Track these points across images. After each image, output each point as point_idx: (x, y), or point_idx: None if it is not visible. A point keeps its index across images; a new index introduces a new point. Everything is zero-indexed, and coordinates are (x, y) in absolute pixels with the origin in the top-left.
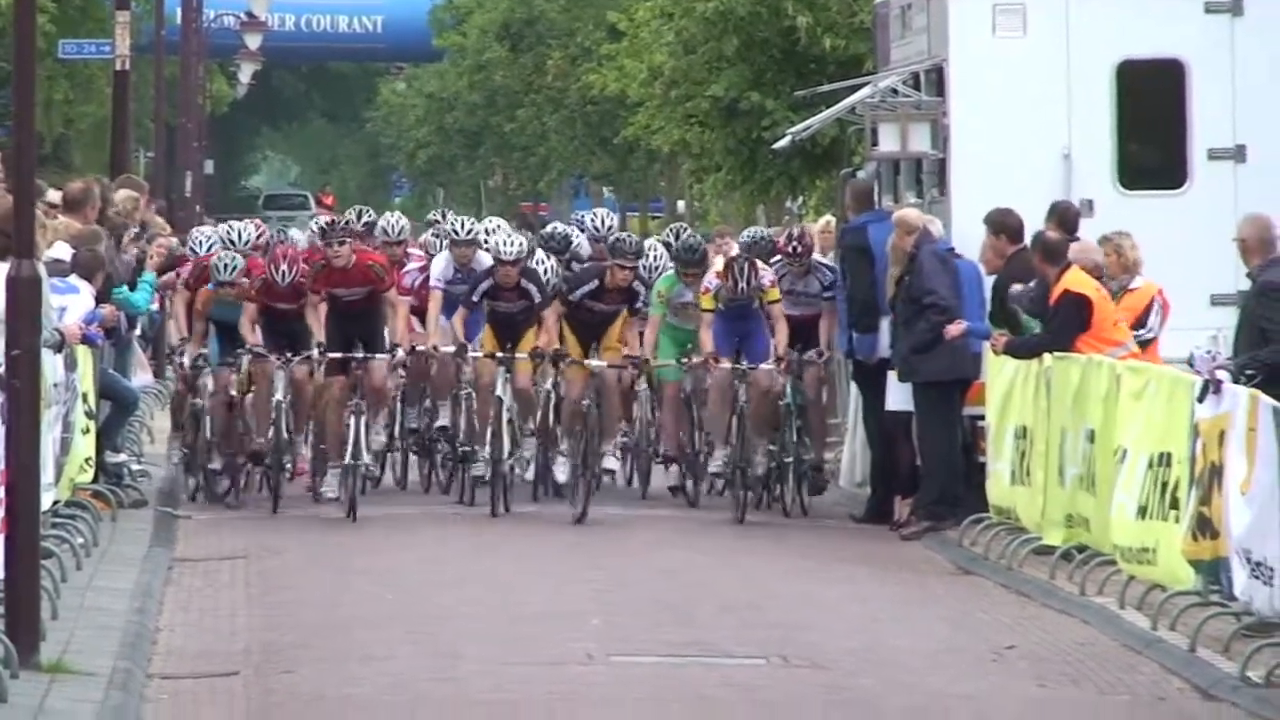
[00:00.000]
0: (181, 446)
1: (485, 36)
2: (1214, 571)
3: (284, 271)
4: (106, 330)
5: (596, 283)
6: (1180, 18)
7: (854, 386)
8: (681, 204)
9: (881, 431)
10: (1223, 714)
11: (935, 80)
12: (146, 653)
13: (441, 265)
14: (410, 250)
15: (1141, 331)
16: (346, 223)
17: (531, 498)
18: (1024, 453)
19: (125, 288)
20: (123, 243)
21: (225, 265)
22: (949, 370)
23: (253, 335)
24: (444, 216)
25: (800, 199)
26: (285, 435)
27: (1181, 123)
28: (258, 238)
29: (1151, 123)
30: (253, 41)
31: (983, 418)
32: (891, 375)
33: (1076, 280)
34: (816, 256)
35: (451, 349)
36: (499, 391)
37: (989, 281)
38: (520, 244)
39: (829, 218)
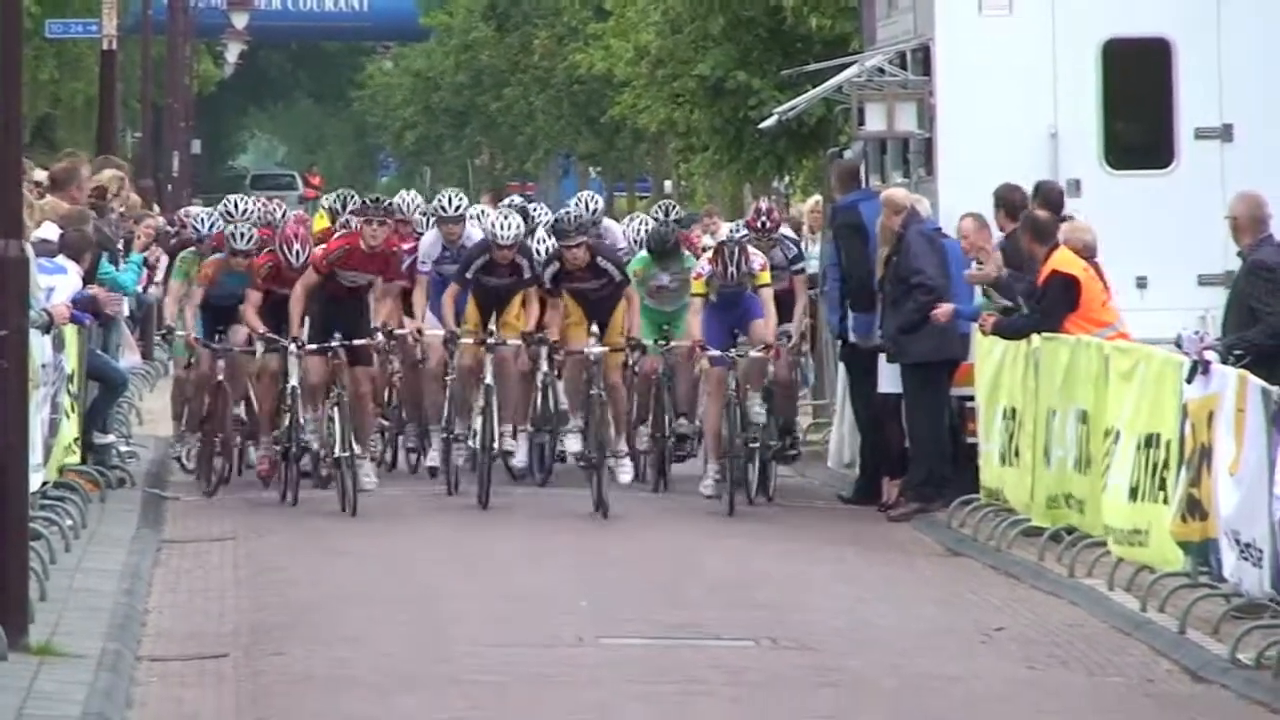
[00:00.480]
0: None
1: (471, 16)
2: (1203, 553)
3: (297, 252)
4: (98, 313)
5: (557, 265)
6: None
7: (842, 368)
8: (668, 184)
9: (870, 413)
10: (1212, 696)
11: (921, 59)
12: (136, 634)
13: (429, 244)
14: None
15: None
16: (389, 202)
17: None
18: (1013, 434)
19: (112, 268)
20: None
21: (241, 235)
22: (937, 351)
23: (259, 323)
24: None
25: (787, 178)
26: (300, 422)
27: (1168, 102)
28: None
29: (1138, 102)
30: (239, 20)
31: (971, 399)
32: (882, 357)
33: (1065, 260)
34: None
35: (439, 334)
36: (487, 379)
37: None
38: (517, 225)
39: (818, 197)
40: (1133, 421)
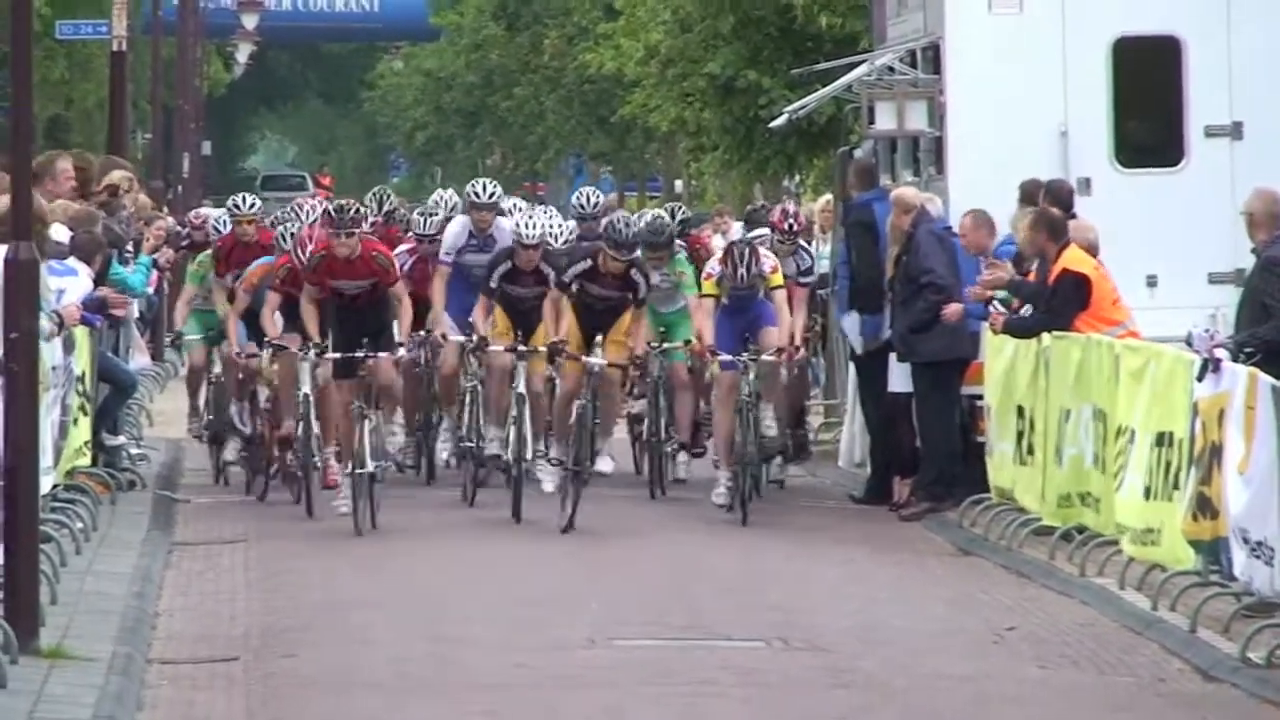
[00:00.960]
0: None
1: (482, 15)
2: (1214, 552)
3: (310, 254)
4: (112, 316)
5: (590, 263)
6: None
7: (852, 367)
8: (679, 183)
9: (881, 412)
10: (1223, 695)
11: (932, 58)
12: (146, 637)
13: (455, 232)
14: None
15: None
16: (356, 210)
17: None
18: (1023, 433)
19: (122, 269)
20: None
21: (290, 234)
22: (947, 350)
23: (273, 327)
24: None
25: (797, 177)
26: (313, 428)
27: (1178, 100)
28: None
29: (1148, 100)
30: (249, 21)
31: (981, 397)
32: (893, 356)
33: (1075, 259)
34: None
35: (459, 339)
36: (519, 387)
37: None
38: (542, 225)
39: (828, 196)
40: (1146, 420)
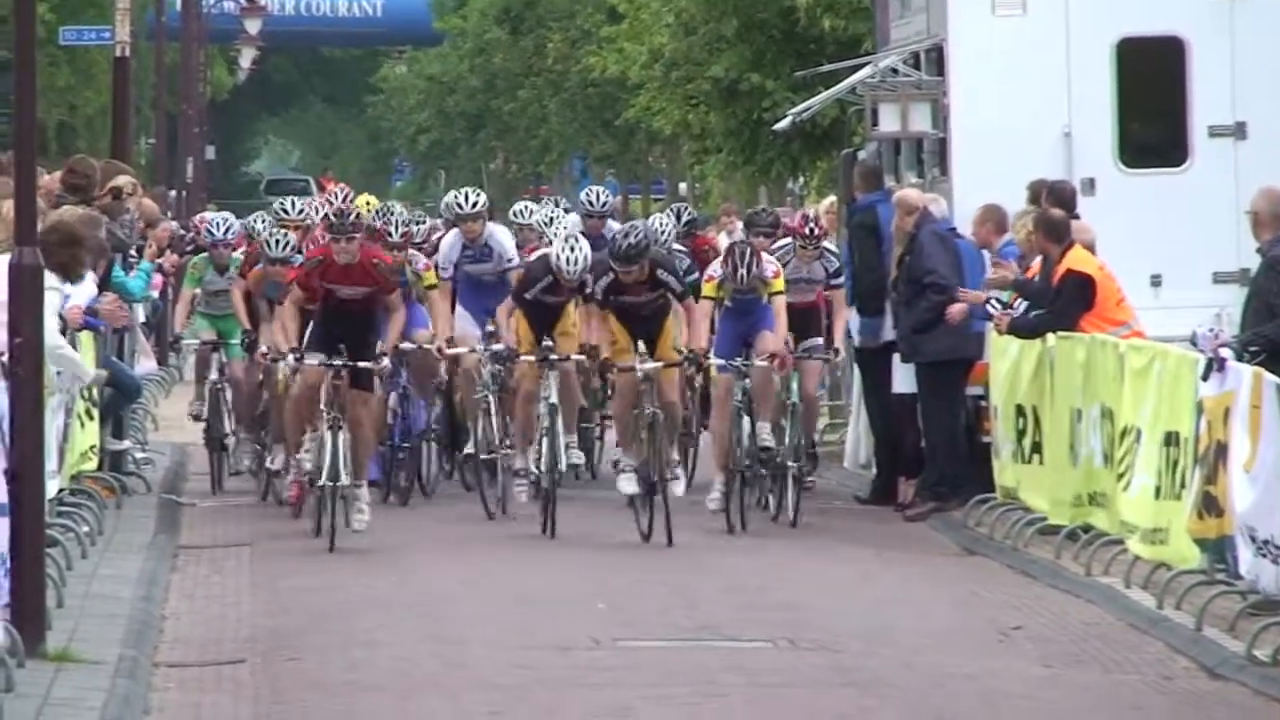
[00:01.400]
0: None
1: (485, 19)
2: (1220, 550)
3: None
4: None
5: (611, 275)
6: None
7: (856, 368)
8: (683, 186)
9: (886, 413)
10: (1229, 693)
11: (935, 59)
12: (153, 640)
13: (449, 245)
14: None
15: None
16: (356, 215)
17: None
18: (1026, 432)
19: (122, 274)
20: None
21: (277, 241)
22: (951, 350)
23: (284, 331)
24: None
25: (801, 180)
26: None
27: (1182, 100)
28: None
29: (1152, 100)
30: (253, 26)
31: (986, 398)
32: (896, 357)
33: (1080, 259)
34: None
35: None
36: (552, 398)
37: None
38: (585, 255)
39: (832, 198)
40: (1153, 420)
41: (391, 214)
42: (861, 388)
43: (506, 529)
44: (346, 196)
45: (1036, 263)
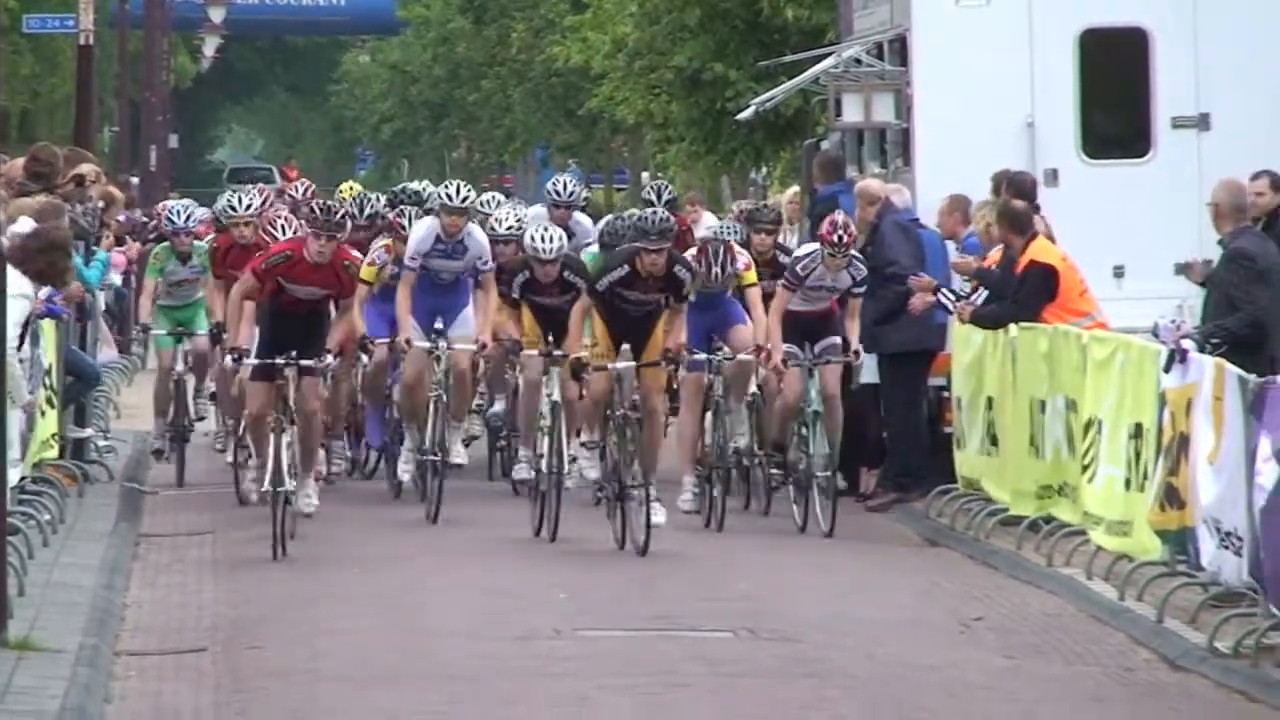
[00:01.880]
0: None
1: (449, 8)
2: (1181, 542)
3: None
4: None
5: (627, 269)
6: None
7: None
8: (645, 175)
9: (848, 404)
10: (1190, 684)
11: (899, 50)
12: (114, 629)
13: (421, 235)
14: None
15: None
16: (344, 214)
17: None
18: (992, 423)
19: (82, 263)
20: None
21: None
22: (914, 341)
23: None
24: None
25: (764, 170)
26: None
27: (1145, 91)
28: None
29: (1115, 91)
30: (216, 15)
31: (948, 388)
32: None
33: (1043, 250)
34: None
35: (425, 345)
36: (555, 395)
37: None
38: (560, 237)
39: (795, 188)
40: (1116, 411)
41: (368, 201)
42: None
43: (471, 525)
44: (308, 190)
45: (994, 253)
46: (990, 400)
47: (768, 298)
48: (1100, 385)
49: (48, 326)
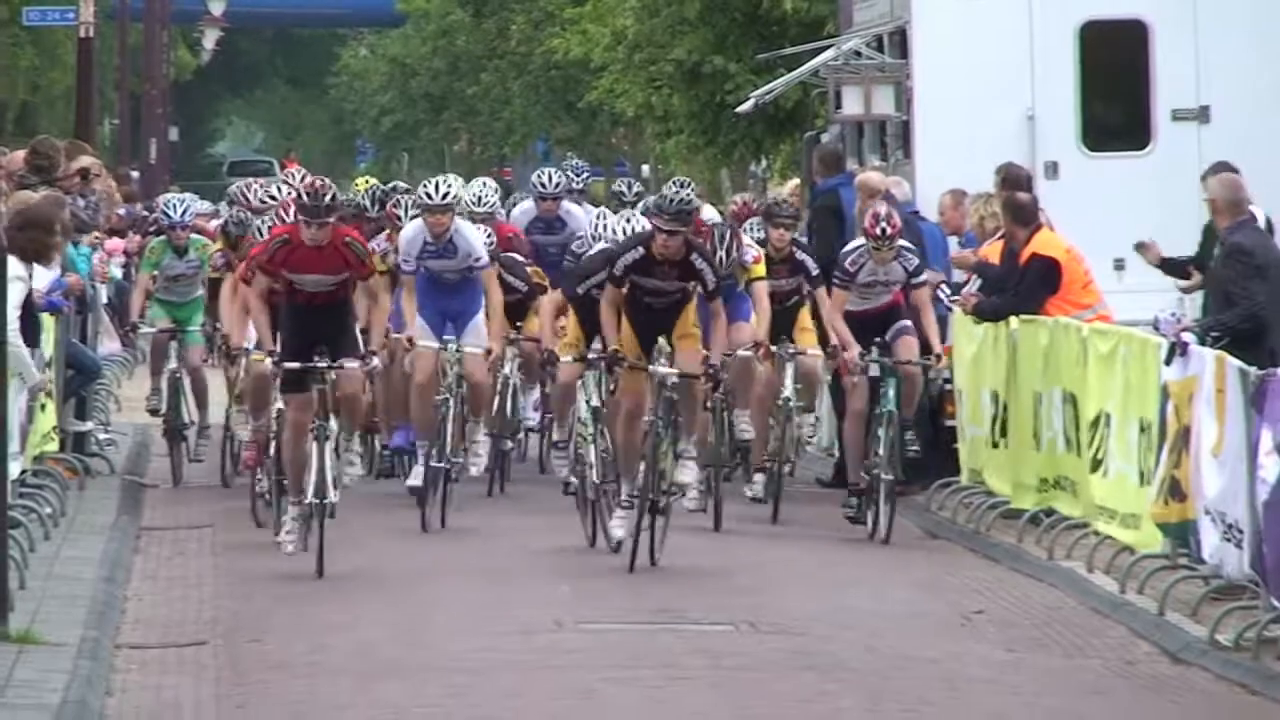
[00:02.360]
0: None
1: (448, 1)
2: (1182, 534)
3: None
4: (76, 299)
5: (642, 251)
6: None
7: None
8: (646, 167)
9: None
10: (1191, 677)
11: (899, 42)
12: (115, 622)
13: (409, 237)
14: None
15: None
16: (333, 196)
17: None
18: (996, 416)
19: (74, 254)
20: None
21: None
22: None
23: (267, 329)
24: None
25: (764, 162)
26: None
27: (1145, 84)
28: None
29: (1115, 84)
30: (216, 7)
31: (950, 381)
32: None
33: (1046, 242)
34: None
35: (433, 344)
36: (592, 400)
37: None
38: (495, 189)
39: (796, 181)
40: (1124, 405)
41: (396, 193)
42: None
43: (472, 519)
44: (304, 178)
45: (987, 245)
46: (996, 394)
47: (785, 296)
48: (1104, 379)
49: (48, 320)
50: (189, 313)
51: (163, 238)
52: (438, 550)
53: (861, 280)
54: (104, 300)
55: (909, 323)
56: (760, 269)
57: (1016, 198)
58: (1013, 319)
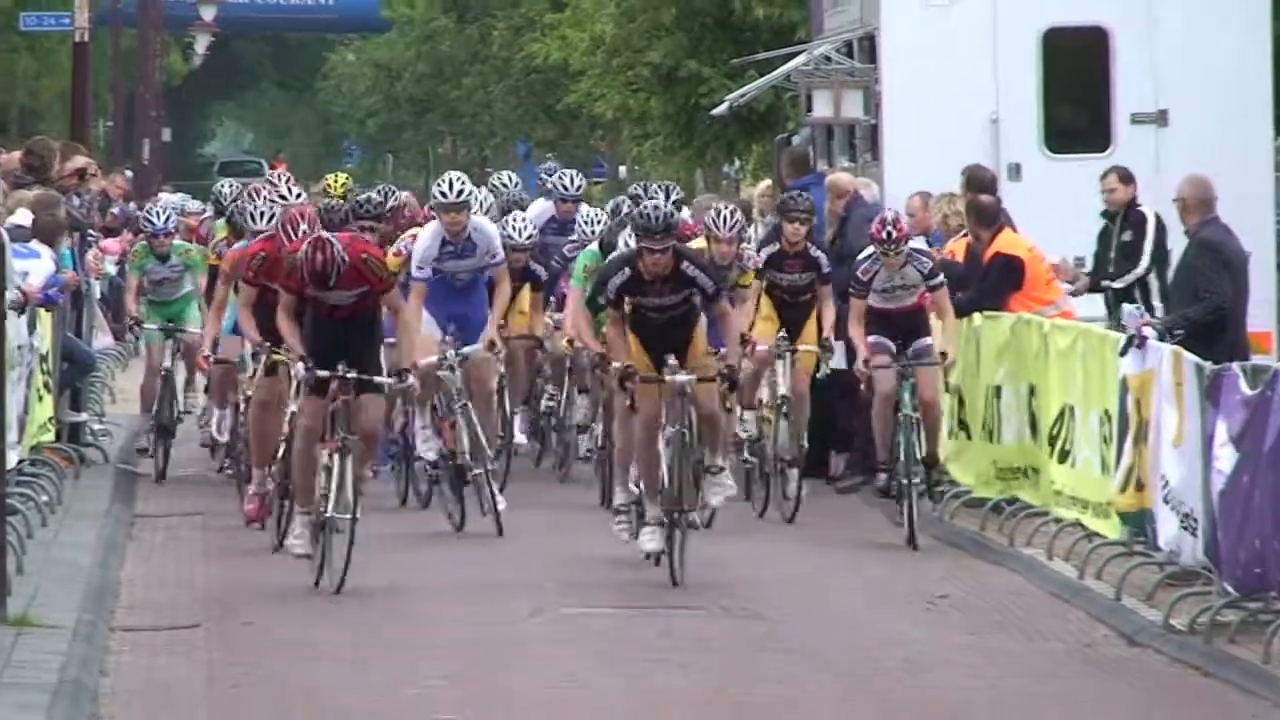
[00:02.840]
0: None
1: (432, 7)
2: (1139, 523)
3: (305, 233)
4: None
5: (628, 272)
6: None
7: None
8: (623, 169)
9: (818, 389)
10: (1147, 660)
11: (867, 48)
12: (110, 605)
13: (427, 241)
14: None
15: None
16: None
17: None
18: (955, 410)
19: (69, 253)
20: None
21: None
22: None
23: (254, 329)
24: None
25: (738, 163)
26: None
27: (1106, 88)
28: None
29: (1077, 88)
30: (207, 13)
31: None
32: None
33: (1009, 242)
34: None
35: (432, 359)
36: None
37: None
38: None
39: (768, 181)
40: (1085, 398)
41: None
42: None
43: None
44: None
45: (951, 243)
46: (958, 388)
47: (799, 291)
48: (1066, 373)
49: (43, 314)
50: (180, 308)
51: (144, 243)
52: (427, 536)
53: (878, 287)
54: (98, 296)
55: (931, 341)
56: (750, 277)
57: (980, 200)
58: (976, 315)
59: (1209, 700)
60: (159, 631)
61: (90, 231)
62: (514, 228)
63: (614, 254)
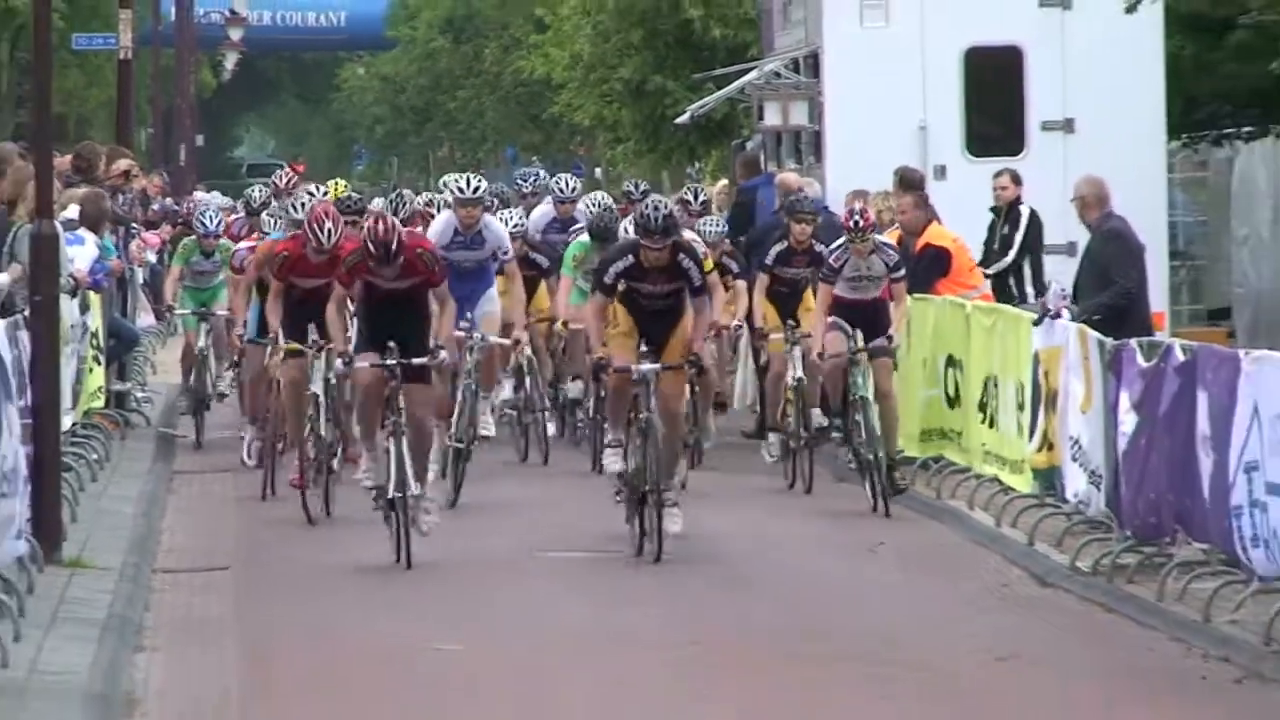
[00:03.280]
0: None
1: (432, 29)
2: (1049, 478)
3: (329, 231)
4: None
5: (632, 259)
6: (1018, 10)
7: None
8: (599, 170)
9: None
10: (1057, 598)
11: (812, 64)
12: (152, 550)
13: (439, 229)
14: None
15: None
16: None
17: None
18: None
19: (109, 243)
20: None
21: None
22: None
23: (275, 319)
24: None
25: (698, 165)
26: (323, 433)
27: (1020, 99)
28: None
29: (994, 99)
30: (235, 34)
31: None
32: None
33: (937, 234)
34: (876, 236)
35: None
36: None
37: None
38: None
39: (725, 181)
40: (1003, 369)
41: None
42: (749, 339)
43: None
44: (290, 180)
45: (888, 233)
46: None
47: (796, 282)
48: (987, 348)
49: (93, 296)
50: (212, 294)
51: (194, 239)
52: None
53: (847, 275)
54: (141, 281)
55: (886, 342)
56: (709, 263)
57: (925, 197)
58: (907, 297)
59: (1111, 633)
60: (195, 573)
61: (133, 225)
62: (503, 218)
63: (619, 241)
